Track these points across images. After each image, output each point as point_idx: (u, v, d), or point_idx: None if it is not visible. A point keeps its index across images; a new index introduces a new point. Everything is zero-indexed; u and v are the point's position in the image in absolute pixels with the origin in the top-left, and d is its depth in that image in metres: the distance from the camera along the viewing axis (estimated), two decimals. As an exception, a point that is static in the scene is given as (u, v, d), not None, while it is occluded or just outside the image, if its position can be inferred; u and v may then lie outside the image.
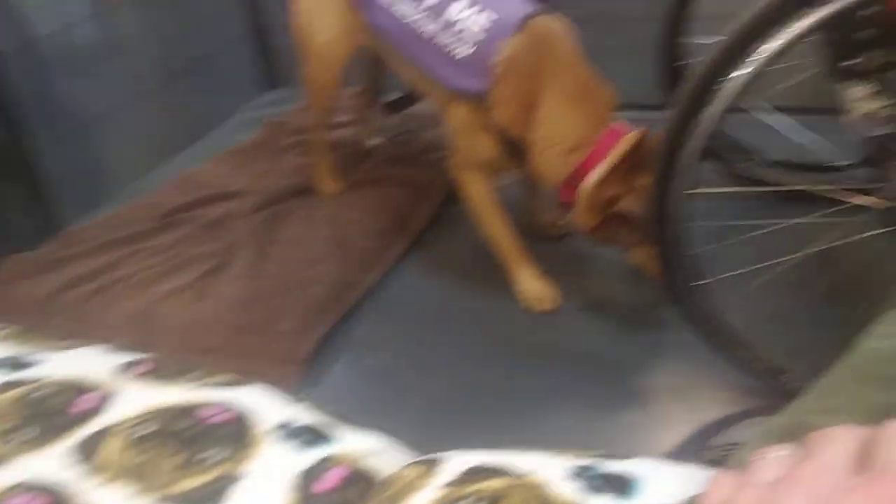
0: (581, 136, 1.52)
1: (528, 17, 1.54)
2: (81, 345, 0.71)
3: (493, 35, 1.54)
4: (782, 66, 1.62)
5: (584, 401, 1.46)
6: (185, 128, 2.62)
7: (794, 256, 1.31)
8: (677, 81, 1.82)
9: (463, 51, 1.55)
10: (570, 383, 1.50)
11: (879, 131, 1.28)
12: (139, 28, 2.49)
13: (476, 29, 1.55)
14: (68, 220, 2.16)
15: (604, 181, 1.47)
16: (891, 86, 1.40)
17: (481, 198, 1.72)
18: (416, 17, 1.62)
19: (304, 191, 2.12)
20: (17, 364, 0.65)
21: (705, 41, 1.78)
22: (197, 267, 1.85)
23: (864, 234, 1.25)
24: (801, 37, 1.14)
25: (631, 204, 1.46)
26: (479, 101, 1.58)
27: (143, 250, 1.96)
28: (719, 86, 1.17)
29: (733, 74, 1.17)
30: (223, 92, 2.79)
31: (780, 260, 1.31)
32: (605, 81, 1.58)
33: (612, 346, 1.58)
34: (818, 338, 1.42)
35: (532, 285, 1.72)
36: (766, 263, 1.33)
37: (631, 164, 1.47)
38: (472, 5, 1.57)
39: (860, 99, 1.37)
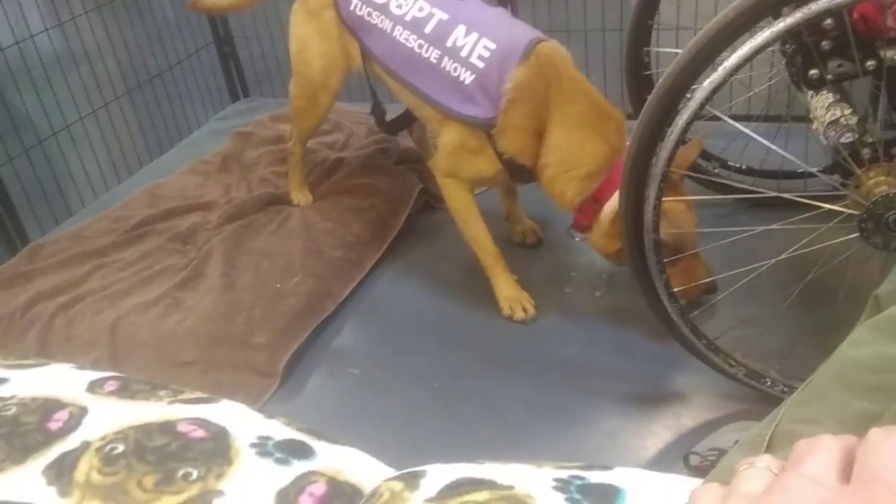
0: (596, 163, 1.52)
1: (532, 44, 1.53)
2: (46, 363, 0.69)
3: (493, 63, 1.52)
4: (750, 74, 1.66)
5: (564, 409, 1.46)
6: (153, 139, 2.59)
7: (767, 262, 1.33)
8: (645, 90, 1.85)
9: (466, 78, 1.54)
10: (549, 392, 1.50)
11: (844, 139, 1.30)
12: (102, 39, 2.46)
13: (475, 57, 1.54)
14: (34, 234, 2.13)
15: None
16: (854, 95, 1.43)
17: (463, 203, 1.71)
18: (418, 42, 1.61)
19: (274, 201, 2.11)
20: (-18, 383, 0.64)
21: (671, 50, 1.81)
22: (167, 280, 1.83)
23: (836, 240, 1.27)
24: (768, 45, 1.15)
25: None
26: (479, 126, 1.56)
27: (111, 263, 1.92)
28: (689, 94, 1.19)
29: (703, 83, 1.18)
30: (190, 102, 2.77)
31: (754, 265, 1.33)
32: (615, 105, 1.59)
33: (590, 354, 1.59)
34: (795, 342, 1.45)
35: (511, 293, 1.72)
36: (740, 269, 1.35)
37: None
38: (468, 33, 1.56)
39: (824, 107, 1.40)
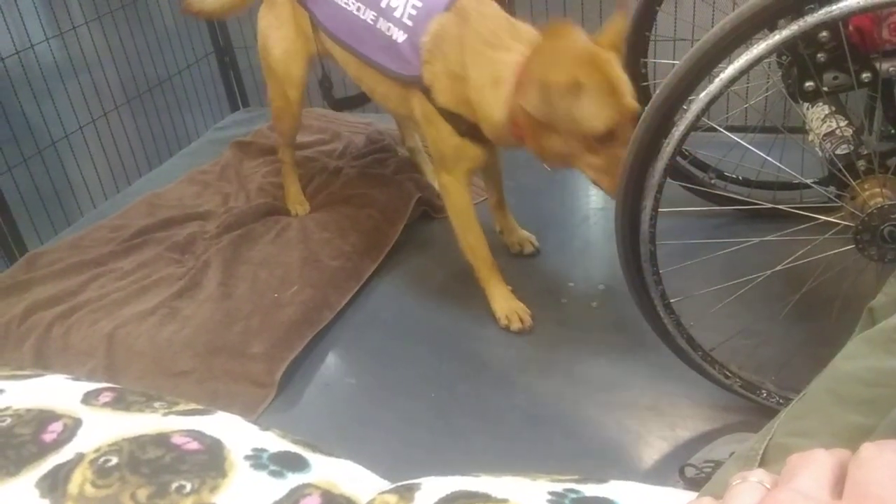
0: (509, 67, 1.47)
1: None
2: (41, 374, 0.69)
3: (420, 21, 1.57)
4: (746, 85, 1.67)
5: (560, 419, 1.46)
6: (152, 148, 2.60)
7: (763, 273, 1.33)
8: (642, 101, 1.85)
9: (399, 37, 1.58)
10: (544, 402, 1.50)
11: (840, 151, 1.31)
12: (102, 48, 2.47)
13: (406, 17, 1.58)
14: (32, 243, 2.13)
15: (553, 66, 1.39)
16: (850, 107, 1.44)
17: (464, 209, 1.71)
18: (357, 6, 1.66)
19: (272, 211, 2.11)
20: (-25, 394, 0.64)
21: (668, 62, 1.82)
22: (164, 289, 1.83)
23: (831, 252, 1.27)
24: (764, 58, 1.16)
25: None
26: (411, 83, 1.59)
27: (109, 273, 1.92)
28: (686, 105, 1.19)
29: (699, 94, 1.19)
30: (189, 112, 2.77)
31: (749, 277, 1.33)
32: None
33: (586, 365, 1.59)
34: (791, 353, 1.45)
35: (507, 304, 1.72)
36: (736, 281, 1.35)
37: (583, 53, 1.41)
38: None
39: (820, 119, 1.40)
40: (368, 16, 1.63)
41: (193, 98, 2.77)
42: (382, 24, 1.61)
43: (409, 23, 1.57)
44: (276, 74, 1.92)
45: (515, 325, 1.69)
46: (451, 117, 1.58)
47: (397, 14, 1.59)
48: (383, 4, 1.62)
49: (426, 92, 1.57)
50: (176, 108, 2.72)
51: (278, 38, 1.88)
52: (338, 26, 1.71)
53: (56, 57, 2.38)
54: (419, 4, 1.57)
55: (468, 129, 1.59)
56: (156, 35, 2.69)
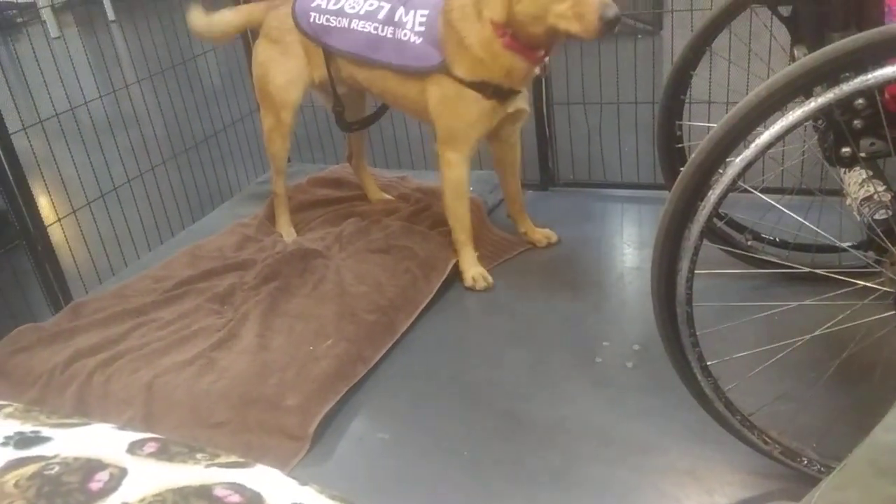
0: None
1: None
2: (88, 422, 0.71)
3: (431, 23, 1.93)
4: (782, 148, 1.67)
5: (595, 482, 1.44)
6: (195, 201, 2.67)
7: (802, 338, 1.31)
8: (677, 162, 1.87)
9: (416, 40, 1.95)
10: (579, 463, 1.48)
11: (878, 216, 1.30)
12: (151, 105, 2.57)
13: (417, 25, 1.94)
14: (77, 292, 2.18)
15: None
16: (888, 172, 1.43)
17: (461, 179, 2.03)
18: (374, 26, 2.01)
19: (305, 256, 2.14)
20: (25, 441, 0.66)
21: (703, 124, 1.83)
22: (203, 340, 1.86)
23: (872, 318, 1.25)
24: (800, 124, 1.17)
25: None
26: (438, 70, 1.92)
27: (151, 322, 1.96)
28: (722, 168, 1.20)
29: (736, 158, 1.19)
30: (232, 166, 2.85)
31: (788, 341, 1.31)
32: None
33: (621, 426, 1.57)
34: (832, 420, 1.41)
35: (476, 268, 2.08)
36: (775, 344, 1.33)
37: None
38: (407, 12, 1.98)
39: (858, 183, 1.40)
40: (387, 32, 1.99)
41: (237, 153, 2.86)
42: (399, 34, 1.97)
43: (422, 28, 1.94)
44: (273, 99, 2.21)
45: (480, 285, 2.06)
46: (477, 85, 1.90)
47: (409, 25, 1.96)
48: (396, 19, 1.98)
49: (449, 72, 1.91)
50: (220, 163, 2.80)
51: (284, 70, 2.17)
52: (357, 47, 2.04)
53: (108, 113, 2.48)
54: (426, 12, 1.95)
55: (496, 88, 1.91)
56: (203, 93, 2.79)
